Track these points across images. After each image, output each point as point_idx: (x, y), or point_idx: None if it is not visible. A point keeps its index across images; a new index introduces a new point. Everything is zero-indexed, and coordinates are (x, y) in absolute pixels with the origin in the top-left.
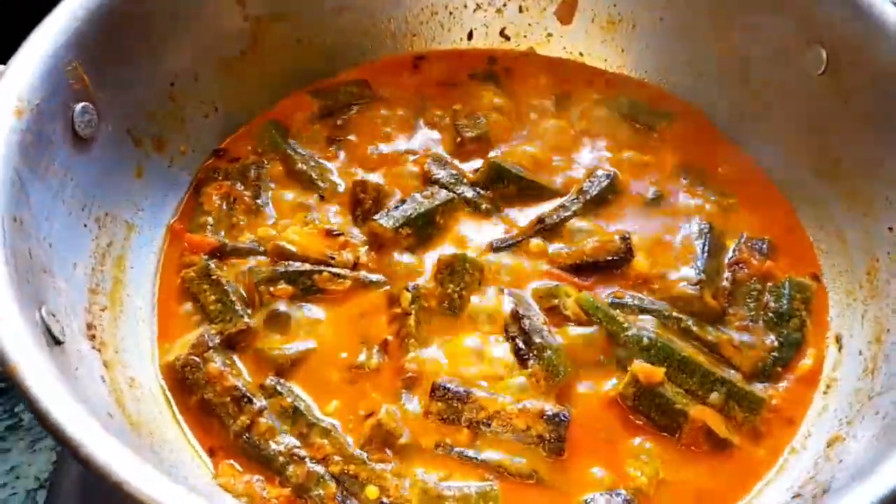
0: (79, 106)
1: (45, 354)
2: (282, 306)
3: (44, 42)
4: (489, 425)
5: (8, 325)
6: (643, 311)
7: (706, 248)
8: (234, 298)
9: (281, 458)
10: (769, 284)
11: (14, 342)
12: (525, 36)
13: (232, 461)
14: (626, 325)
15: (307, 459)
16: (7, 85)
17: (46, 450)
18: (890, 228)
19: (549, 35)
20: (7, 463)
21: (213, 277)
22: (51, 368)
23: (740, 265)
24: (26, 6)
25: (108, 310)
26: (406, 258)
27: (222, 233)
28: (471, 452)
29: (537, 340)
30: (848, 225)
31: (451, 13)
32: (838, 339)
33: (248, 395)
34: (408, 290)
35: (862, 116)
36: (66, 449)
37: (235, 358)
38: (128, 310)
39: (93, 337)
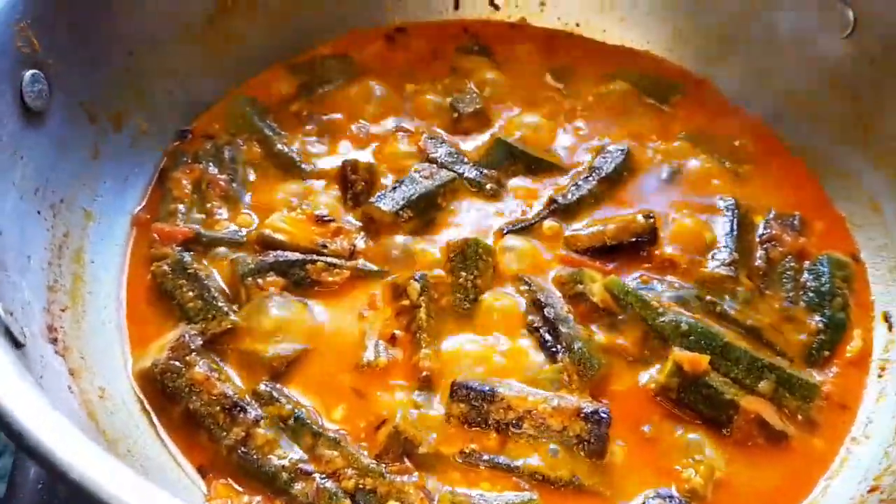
0: (28, 73)
1: (8, 356)
2: (273, 301)
3: None
4: (520, 427)
5: None
6: (674, 295)
7: (734, 225)
8: (216, 294)
9: (285, 475)
10: (806, 263)
11: None
12: (517, 5)
13: (227, 480)
14: (660, 310)
15: (315, 475)
16: None
17: None
18: None
19: (543, 4)
20: None
21: (190, 271)
22: (16, 372)
23: (773, 243)
24: None
25: (69, 309)
26: (408, 244)
27: (196, 222)
28: (502, 459)
29: (564, 331)
30: (884, 196)
31: None
32: (886, 318)
33: (240, 403)
34: (415, 279)
35: (893, 78)
36: (48, 471)
37: (221, 362)
38: (90, 310)
39: (55, 340)
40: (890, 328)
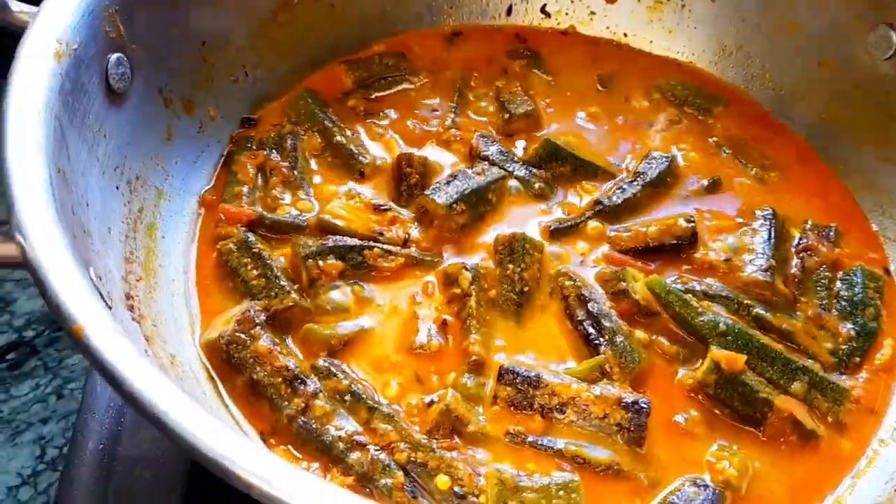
0: (113, 57)
1: (111, 318)
2: (334, 283)
3: None
4: (563, 412)
5: (69, 283)
6: (712, 297)
7: (772, 234)
8: (278, 273)
9: (341, 445)
10: (840, 273)
11: (78, 301)
12: (567, 13)
13: (287, 446)
14: (700, 310)
15: (370, 447)
16: (45, 26)
17: (29, 443)
18: None
19: (593, 13)
20: None
21: (255, 250)
22: (122, 333)
23: (809, 252)
24: None
25: (143, 280)
26: (458, 236)
27: (258, 205)
28: (545, 441)
29: (607, 325)
30: None
31: None
32: None
33: (301, 376)
34: (466, 269)
35: None
36: (155, 424)
37: (282, 336)
38: (161, 282)
39: (132, 307)
40: None
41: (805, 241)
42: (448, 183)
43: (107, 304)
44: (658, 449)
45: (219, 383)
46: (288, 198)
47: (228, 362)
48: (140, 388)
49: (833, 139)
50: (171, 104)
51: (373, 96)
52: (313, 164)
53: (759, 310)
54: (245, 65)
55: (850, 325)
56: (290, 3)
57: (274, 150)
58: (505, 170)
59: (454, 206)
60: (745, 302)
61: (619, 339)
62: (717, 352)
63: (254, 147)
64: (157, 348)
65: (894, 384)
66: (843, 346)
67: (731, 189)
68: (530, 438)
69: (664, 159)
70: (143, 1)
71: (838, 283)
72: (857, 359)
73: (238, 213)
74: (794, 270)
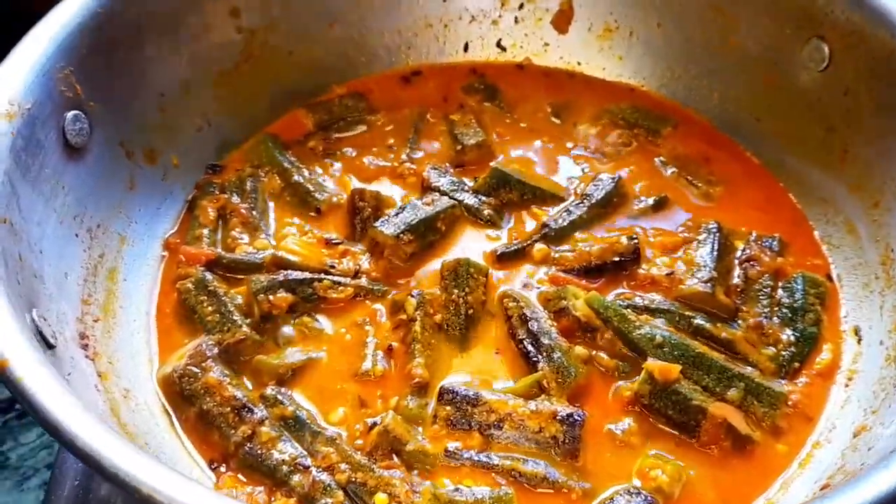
0: (70, 114)
1: (38, 352)
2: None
3: (35, 48)
4: (501, 428)
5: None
6: (653, 311)
7: (715, 246)
8: (231, 308)
9: (284, 468)
10: (781, 281)
11: (4, 338)
12: (521, 47)
13: (234, 472)
14: (637, 323)
15: (312, 468)
16: None
17: (35, 488)
18: None
19: (546, 45)
20: None
21: (210, 288)
22: (45, 364)
23: (752, 262)
24: (11, 17)
25: (101, 321)
26: (409, 265)
27: (218, 246)
28: (482, 456)
29: (546, 342)
30: (858, 217)
31: (445, 25)
32: (857, 332)
33: (249, 404)
34: (412, 296)
35: (866, 107)
36: (64, 445)
37: (235, 368)
38: (121, 322)
39: (86, 346)
40: (859, 341)
41: (748, 251)
42: (396, 214)
43: (48, 342)
44: (595, 460)
45: (172, 415)
46: (246, 238)
47: (181, 395)
48: (54, 412)
49: (779, 152)
50: (133, 156)
51: (333, 137)
52: (272, 205)
53: (699, 321)
54: (207, 114)
55: (790, 332)
56: (251, 54)
57: (235, 193)
58: (455, 199)
59: (401, 236)
60: (686, 314)
61: (556, 355)
62: (651, 363)
63: (216, 191)
64: (109, 384)
65: (832, 387)
66: (784, 353)
67: (677, 206)
68: (467, 455)
69: (610, 181)
70: (99, 59)
71: (780, 291)
72: (797, 364)
73: (197, 253)
74: (736, 281)
